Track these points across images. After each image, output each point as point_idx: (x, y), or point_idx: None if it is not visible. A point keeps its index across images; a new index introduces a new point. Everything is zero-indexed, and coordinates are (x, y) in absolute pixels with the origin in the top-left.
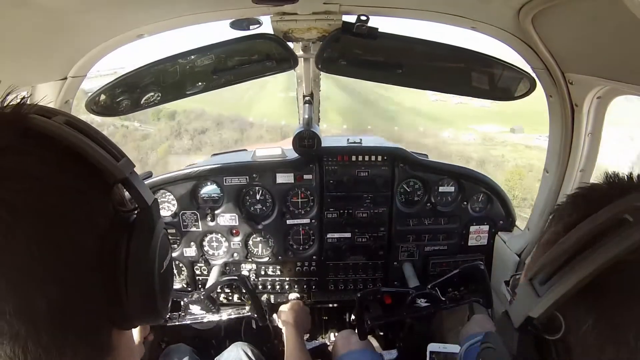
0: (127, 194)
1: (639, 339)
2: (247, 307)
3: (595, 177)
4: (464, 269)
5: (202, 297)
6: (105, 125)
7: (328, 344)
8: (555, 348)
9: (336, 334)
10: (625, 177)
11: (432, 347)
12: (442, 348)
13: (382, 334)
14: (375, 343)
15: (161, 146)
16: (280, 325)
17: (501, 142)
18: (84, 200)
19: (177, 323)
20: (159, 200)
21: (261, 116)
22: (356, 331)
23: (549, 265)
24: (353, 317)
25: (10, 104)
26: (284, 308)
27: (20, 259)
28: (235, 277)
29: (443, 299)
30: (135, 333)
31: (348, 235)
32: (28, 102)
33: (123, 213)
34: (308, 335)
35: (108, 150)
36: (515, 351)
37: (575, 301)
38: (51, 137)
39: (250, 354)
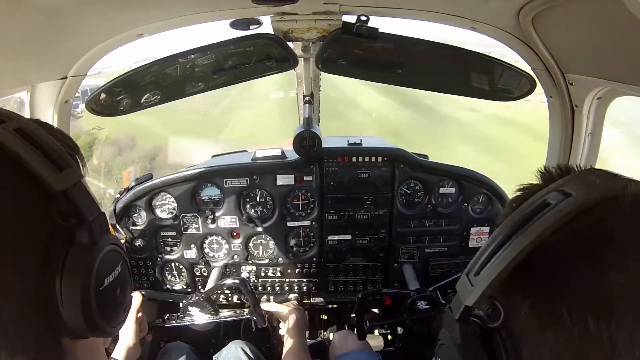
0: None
1: (572, 314)
2: (246, 309)
3: None
4: None
5: (200, 300)
6: None
7: (327, 343)
8: (499, 335)
9: (334, 333)
10: (554, 171)
11: None
12: None
13: (381, 334)
14: (374, 343)
15: None
16: (281, 325)
17: None
18: (19, 215)
19: (175, 324)
20: (159, 203)
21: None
22: (355, 331)
23: (480, 257)
24: (353, 316)
25: None
26: (282, 308)
27: None
28: (237, 281)
29: (443, 302)
30: (131, 334)
31: (348, 237)
32: None
33: (64, 227)
34: (307, 333)
35: (53, 160)
36: (459, 341)
37: (511, 287)
38: None
39: (249, 352)
